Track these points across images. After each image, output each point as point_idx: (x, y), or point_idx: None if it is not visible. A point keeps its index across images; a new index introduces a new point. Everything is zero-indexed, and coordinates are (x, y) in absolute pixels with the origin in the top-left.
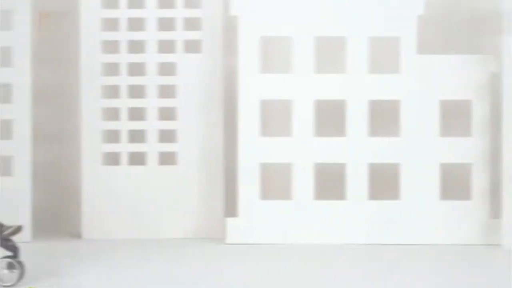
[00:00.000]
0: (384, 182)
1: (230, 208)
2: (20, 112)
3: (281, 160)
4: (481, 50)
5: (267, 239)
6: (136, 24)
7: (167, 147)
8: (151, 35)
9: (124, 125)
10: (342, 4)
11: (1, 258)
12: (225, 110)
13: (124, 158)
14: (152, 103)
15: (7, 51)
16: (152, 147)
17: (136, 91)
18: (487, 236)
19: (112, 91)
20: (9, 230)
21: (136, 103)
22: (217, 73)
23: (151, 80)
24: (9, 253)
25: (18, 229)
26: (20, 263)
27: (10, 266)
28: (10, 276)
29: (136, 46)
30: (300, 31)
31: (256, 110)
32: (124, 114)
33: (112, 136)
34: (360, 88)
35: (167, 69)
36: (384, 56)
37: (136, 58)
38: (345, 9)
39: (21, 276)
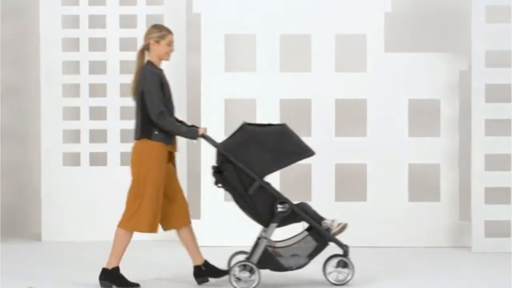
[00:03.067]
0: (351, 183)
1: (193, 210)
2: None
3: None
4: (449, 48)
5: (231, 242)
6: (97, 22)
7: (128, 147)
8: (112, 32)
9: (85, 124)
10: (307, 1)
11: (332, 257)
12: (189, 110)
13: (85, 159)
14: (113, 102)
15: None
16: (113, 147)
17: (97, 90)
18: (457, 238)
19: (72, 90)
20: (336, 229)
21: (97, 102)
22: (180, 72)
23: (112, 78)
24: (340, 252)
25: (344, 228)
26: (350, 261)
27: (342, 265)
28: (343, 274)
29: (97, 44)
30: (265, 29)
31: (219, 109)
32: (84, 114)
33: (73, 136)
34: (326, 86)
35: (128, 67)
36: (350, 54)
37: (97, 56)
38: (311, 6)
39: (352, 274)
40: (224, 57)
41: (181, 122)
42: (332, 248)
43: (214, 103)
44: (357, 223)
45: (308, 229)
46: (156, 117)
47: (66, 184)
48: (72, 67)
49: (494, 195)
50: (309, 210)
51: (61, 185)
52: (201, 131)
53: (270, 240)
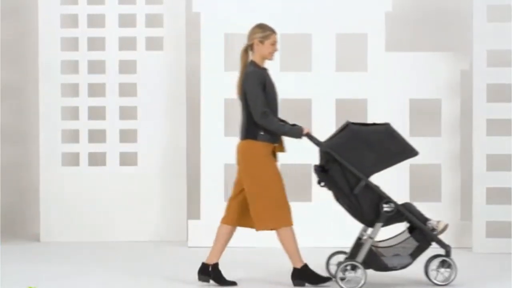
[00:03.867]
0: None
1: (193, 210)
2: None
3: None
4: (450, 47)
5: (231, 242)
6: (96, 21)
7: (128, 147)
8: (111, 32)
9: (84, 124)
10: (308, 0)
11: (434, 257)
12: (188, 109)
13: (84, 159)
14: (112, 102)
15: None
16: (112, 147)
17: (96, 90)
18: (458, 239)
19: (71, 90)
20: (439, 229)
21: (96, 102)
22: (180, 71)
23: (111, 78)
24: (441, 252)
25: (445, 228)
26: (453, 261)
27: (445, 265)
28: (444, 274)
29: (96, 43)
30: None
31: (219, 109)
32: (83, 113)
33: (71, 136)
34: (327, 86)
35: (128, 67)
36: (351, 54)
37: (96, 55)
38: (311, 5)
39: (455, 274)
40: (224, 56)
41: (283, 121)
42: (431, 248)
43: (214, 103)
44: (357, 224)
45: (410, 229)
46: (259, 118)
47: (65, 184)
48: (71, 67)
49: (496, 196)
50: (414, 210)
51: (60, 185)
52: (305, 130)
53: (374, 240)
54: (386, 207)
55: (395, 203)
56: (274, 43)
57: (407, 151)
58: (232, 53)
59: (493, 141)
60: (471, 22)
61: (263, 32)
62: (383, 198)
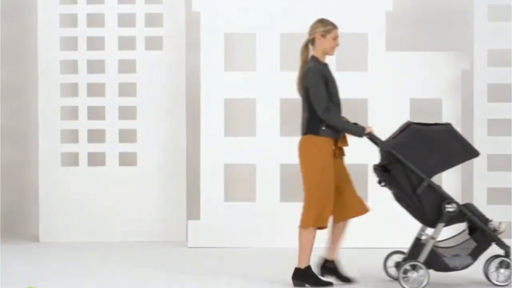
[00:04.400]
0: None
1: (193, 210)
2: None
3: (246, 161)
4: (451, 47)
5: (231, 243)
6: (95, 20)
7: (127, 147)
8: (110, 31)
9: (83, 124)
10: (308, 0)
11: (493, 257)
12: (188, 109)
13: (83, 159)
14: (112, 101)
15: None
16: (112, 148)
17: (96, 89)
18: None
19: (70, 90)
20: (500, 231)
21: (95, 101)
22: (179, 71)
23: (111, 78)
24: (500, 252)
25: (505, 229)
26: None
27: (503, 265)
28: (504, 275)
29: (96, 43)
30: (265, 27)
31: (219, 109)
32: (82, 113)
33: (71, 136)
34: None
35: (127, 66)
36: (351, 53)
37: (95, 55)
38: (311, 5)
39: None
40: (224, 56)
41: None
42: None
43: (214, 103)
44: (358, 224)
45: (470, 230)
46: (322, 114)
47: (64, 185)
48: (70, 66)
49: (496, 196)
50: (475, 211)
51: (59, 185)
52: (368, 130)
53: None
54: (448, 208)
55: (457, 203)
56: (335, 38)
57: (469, 152)
58: (232, 53)
59: (494, 141)
60: (472, 22)
61: (324, 26)
62: (445, 198)
